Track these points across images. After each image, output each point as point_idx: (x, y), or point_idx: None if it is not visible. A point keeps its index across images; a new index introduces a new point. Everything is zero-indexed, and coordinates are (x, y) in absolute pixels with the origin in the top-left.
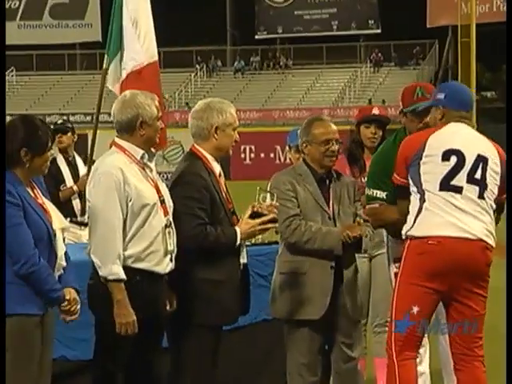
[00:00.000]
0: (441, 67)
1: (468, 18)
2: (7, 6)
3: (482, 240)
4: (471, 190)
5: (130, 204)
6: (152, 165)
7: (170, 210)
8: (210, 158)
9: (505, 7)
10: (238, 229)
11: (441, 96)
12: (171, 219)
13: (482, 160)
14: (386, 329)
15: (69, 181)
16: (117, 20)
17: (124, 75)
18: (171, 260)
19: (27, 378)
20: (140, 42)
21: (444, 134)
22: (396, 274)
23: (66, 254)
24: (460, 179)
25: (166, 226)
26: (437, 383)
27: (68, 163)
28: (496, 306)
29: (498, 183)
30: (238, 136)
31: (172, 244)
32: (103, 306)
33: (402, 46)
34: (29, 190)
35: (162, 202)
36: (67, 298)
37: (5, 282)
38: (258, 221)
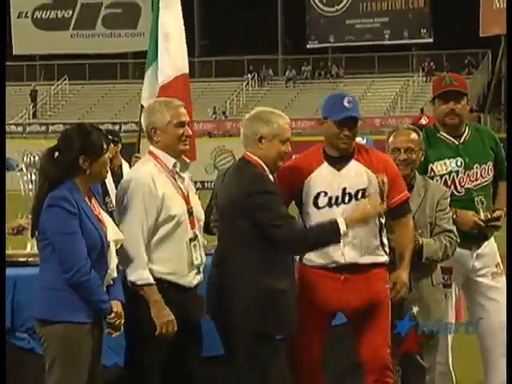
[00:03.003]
0: (493, 76)
1: None
2: (60, 16)
3: None
4: None
5: (156, 213)
6: (185, 175)
7: (199, 223)
8: (263, 165)
9: None
10: (340, 218)
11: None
12: (198, 232)
13: None
14: None
15: (112, 192)
16: (153, 35)
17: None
18: (198, 273)
19: None
20: (170, 56)
21: None
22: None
23: (117, 266)
24: None
25: (191, 240)
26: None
27: (113, 174)
28: None
29: None
30: (289, 148)
31: (199, 258)
32: (129, 312)
33: (455, 55)
34: (86, 200)
35: (190, 214)
36: (114, 310)
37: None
38: (367, 206)
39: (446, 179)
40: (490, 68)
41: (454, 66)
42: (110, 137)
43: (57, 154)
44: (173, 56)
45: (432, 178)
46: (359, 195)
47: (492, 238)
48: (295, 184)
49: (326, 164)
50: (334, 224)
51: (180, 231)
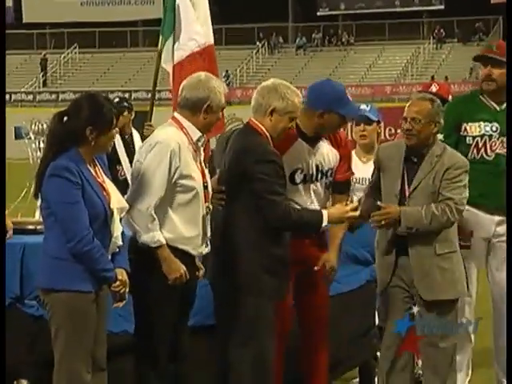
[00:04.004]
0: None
1: None
2: None
3: None
4: None
5: (177, 181)
6: (201, 150)
7: (210, 197)
8: (268, 135)
9: None
10: (325, 211)
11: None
12: (210, 206)
13: None
14: None
15: (124, 160)
16: (170, 5)
17: (180, 55)
18: (207, 245)
19: (82, 353)
20: (200, 24)
21: None
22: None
23: (122, 234)
24: None
25: (206, 213)
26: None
27: (124, 142)
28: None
29: None
30: (294, 126)
31: (209, 231)
32: (135, 282)
33: (466, 22)
34: (90, 168)
35: (206, 187)
36: (119, 278)
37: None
38: (347, 208)
39: (477, 141)
40: (502, 35)
41: (465, 33)
42: (126, 104)
43: (65, 118)
44: (203, 24)
45: (464, 138)
46: (328, 174)
47: None
48: None
49: (300, 140)
50: (319, 216)
51: (198, 203)
